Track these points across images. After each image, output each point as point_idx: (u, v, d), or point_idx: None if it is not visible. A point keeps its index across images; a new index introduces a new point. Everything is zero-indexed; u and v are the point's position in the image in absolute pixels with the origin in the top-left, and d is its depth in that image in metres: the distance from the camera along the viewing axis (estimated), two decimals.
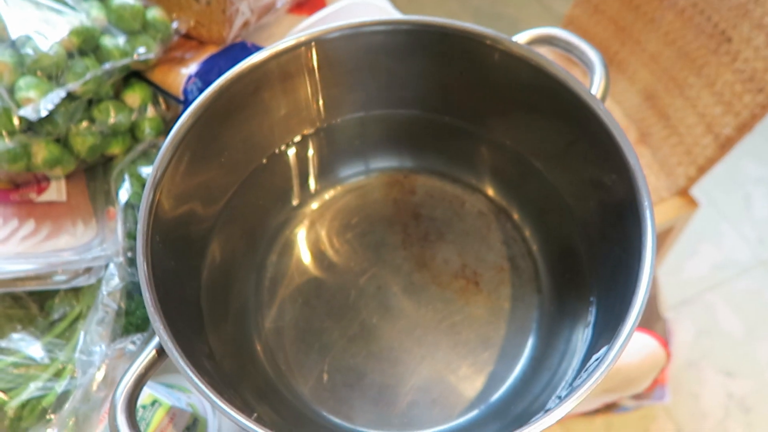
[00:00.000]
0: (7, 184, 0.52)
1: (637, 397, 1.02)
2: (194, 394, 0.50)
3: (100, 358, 0.44)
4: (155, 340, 0.37)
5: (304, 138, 0.51)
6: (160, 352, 0.37)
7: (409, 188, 0.54)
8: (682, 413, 1.11)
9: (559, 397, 0.42)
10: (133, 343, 0.46)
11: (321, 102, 0.50)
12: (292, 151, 0.51)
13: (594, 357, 0.35)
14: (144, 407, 0.45)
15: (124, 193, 0.51)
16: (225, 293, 0.49)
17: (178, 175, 0.41)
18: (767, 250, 1.27)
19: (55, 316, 0.48)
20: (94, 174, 0.55)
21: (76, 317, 0.48)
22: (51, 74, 0.47)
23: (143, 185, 0.50)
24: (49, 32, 0.48)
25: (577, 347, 0.45)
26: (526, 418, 0.41)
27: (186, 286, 0.45)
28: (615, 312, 0.40)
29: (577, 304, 0.46)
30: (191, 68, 0.54)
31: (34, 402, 0.44)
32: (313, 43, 0.45)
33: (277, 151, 0.50)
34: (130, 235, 0.49)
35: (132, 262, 0.49)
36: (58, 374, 0.45)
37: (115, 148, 0.54)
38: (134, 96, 0.54)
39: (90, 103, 0.52)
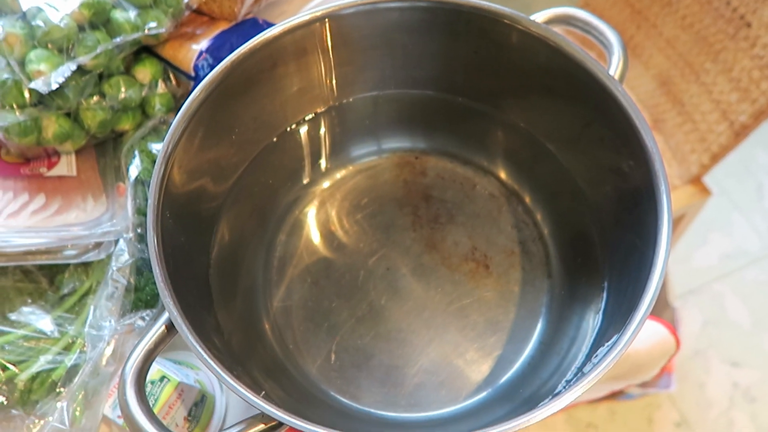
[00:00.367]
0: (17, 158, 0.52)
1: (643, 385, 1.02)
2: (202, 371, 0.50)
3: (109, 332, 0.45)
4: (165, 316, 0.37)
5: (316, 116, 0.51)
6: (170, 327, 0.37)
7: (420, 169, 0.54)
8: (687, 402, 1.11)
9: (568, 382, 0.42)
10: (143, 318, 0.47)
11: (334, 80, 0.49)
12: (303, 130, 0.51)
13: (606, 340, 0.35)
14: (152, 383, 0.45)
15: (134, 169, 0.51)
16: (234, 271, 0.49)
17: (189, 150, 0.41)
18: None
19: (65, 290, 0.48)
20: (104, 149, 0.55)
21: (86, 292, 0.48)
22: (62, 47, 0.47)
23: (153, 161, 0.50)
24: (60, 4, 0.47)
25: (587, 333, 0.45)
26: (534, 402, 0.41)
27: (195, 263, 0.45)
28: (627, 298, 0.39)
29: (588, 290, 0.46)
30: (202, 44, 0.53)
31: (44, 375, 0.44)
32: (327, 19, 0.44)
33: (288, 129, 0.50)
34: (140, 211, 0.49)
35: (142, 238, 0.49)
36: (67, 348, 0.45)
37: (126, 124, 0.53)
38: (145, 71, 0.53)
39: (101, 77, 0.51)
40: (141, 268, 0.49)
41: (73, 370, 0.44)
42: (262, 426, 0.35)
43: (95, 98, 0.51)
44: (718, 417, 1.10)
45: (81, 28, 0.48)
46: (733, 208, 1.30)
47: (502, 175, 0.53)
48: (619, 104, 0.38)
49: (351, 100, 0.51)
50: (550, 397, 0.37)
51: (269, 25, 0.57)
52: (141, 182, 0.50)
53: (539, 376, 0.45)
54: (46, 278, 0.49)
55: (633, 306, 0.35)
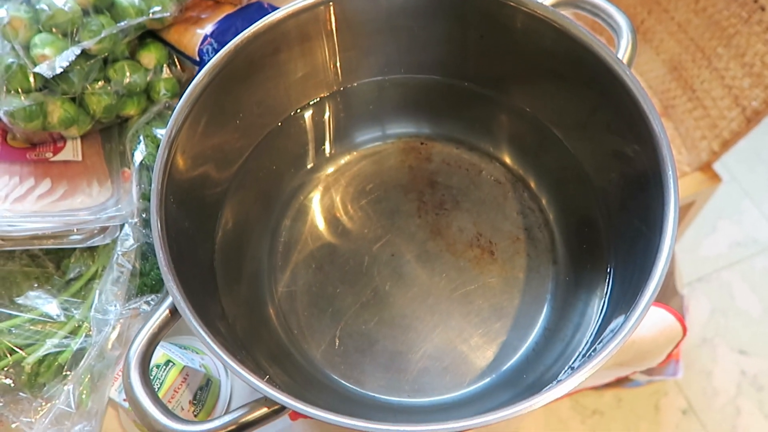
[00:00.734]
0: (23, 143, 0.52)
1: (650, 372, 1.02)
2: (208, 355, 0.51)
3: (114, 317, 0.45)
4: (169, 300, 0.37)
5: (321, 101, 0.50)
6: (173, 311, 0.37)
7: (426, 155, 0.53)
8: (693, 389, 1.11)
9: (572, 368, 0.42)
10: (148, 303, 0.47)
11: (338, 64, 0.49)
12: (307, 115, 0.51)
13: (612, 324, 0.35)
14: (158, 367, 0.45)
15: (138, 155, 0.51)
16: (239, 256, 0.49)
17: (193, 135, 0.41)
18: None
19: (71, 275, 0.48)
20: (109, 135, 0.55)
21: (92, 277, 0.48)
22: (66, 31, 0.47)
23: (158, 147, 0.50)
24: None
25: (592, 319, 0.44)
26: (538, 387, 0.41)
27: (200, 248, 0.45)
28: (632, 284, 0.39)
29: (593, 276, 0.46)
30: (207, 28, 0.53)
31: (50, 358, 0.45)
32: (331, 3, 0.44)
33: (292, 113, 0.50)
34: (145, 197, 0.49)
35: (147, 223, 0.49)
36: (74, 332, 0.45)
37: (131, 109, 0.53)
38: (150, 56, 0.53)
39: (105, 62, 0.51)
40: (146, 253, 0.49)
41: (79, 354, 0.44)
42: (265, 410, 0.35)
43: (100, 83, 0.51)
44: (725, 405, 1.10)
45: (85, 12, 0.48)
46: (744, 196, 1.29)
47: (508, 161, 0.52)
48: (626, 88, 0.38)
49: (356, 84, 0.51)
50: (555, 382, 0.37)
51: (274, 8, 0.57)
52: (146, 167, 0.50)
53: (543, 363, 0.45)
54: (52, 263, 0.49)
55: (638, 291, 0.35)
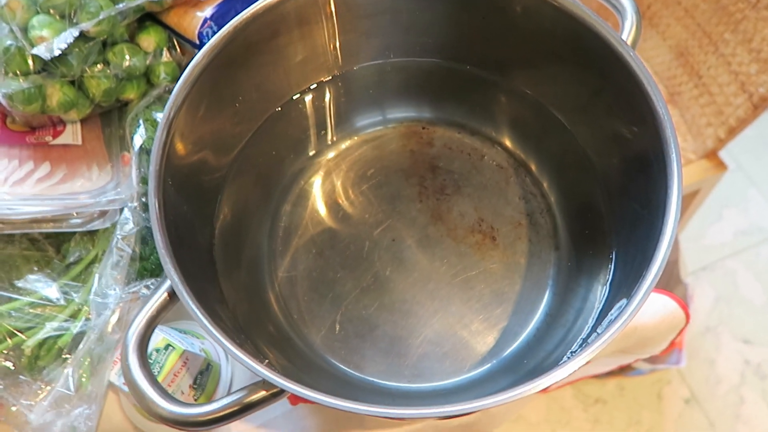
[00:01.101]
0: (23, 127, 0.52)
1: (653, 360, 1.01)
2: (208, 339, 0.51)
3: (114, 300, 0.45)
4: (167, 283, 0.37)
5: (321, 85, 0.50)
6: (172, 294, 0.37)
7: (427, 140, 0.53)
8: (696, 378, 1.11)
9: (573, 353, 0.41)
10: (147, 287, 0.47)
11: (338, 48, 0.48)
12: (307, 99, 0.50)
13: (613, 309, 0.35)
14: (158, 351, 0.45)
15: (138, 138, 0.50)
16: (239, 241, 0.49)
17: (192, 117, 0.41)
18: None
19: (71, 259, 0.48)
20: (109, 119, 0.55)
21: (92, 261, 0.48)
22: (64, 13, 0.46)
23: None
24: None
25: (594, 305, 0.44)
26: (538, 373, 0.41)
27: (199, 232, 0.45)
28: (634, 269, 0.39)
29: (595, 261, 0.45)
30: (207, 11, 0.52)
31: (50, 342, 0.45)
32: None
33: (292, 98, 0.49)
34: (145, 181, 0.49)
35: (146, 207, 0.49)
36: (73, 315, 0.45)
37: (130, 93, 0.53)
38: (149, 39, 0.52)
39: (104, 45, 0.51)
40: (146, 237, 0.49)
41: (78, 337, 0.44)
42: (263, 393, 0.35)
43: (99, 66, 0.50)
44: (728, 393, 1.10)
45: None
46: (750, 184, 1.28)
47: (510, 145, 0.52)
48: (630, 69, 0.37)
49: (356, 68, 0.50)
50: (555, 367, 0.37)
51: None
52: (145, 151, 0.50)
53: (544, 348, 0.45)
54: (52, 247, 0.49)
55: (640, 276, 0.34)
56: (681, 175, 0.35)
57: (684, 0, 0.84)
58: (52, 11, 0.46)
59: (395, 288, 0.48)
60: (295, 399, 0.49)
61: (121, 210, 0.48)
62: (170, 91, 0.53)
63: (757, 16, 0.75)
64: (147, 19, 0.54)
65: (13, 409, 0.43)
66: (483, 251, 0.49)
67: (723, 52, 0.80)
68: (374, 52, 0.49)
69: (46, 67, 0.48)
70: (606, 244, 0.45)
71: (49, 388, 0.43)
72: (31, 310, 0.45)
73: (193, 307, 0.34)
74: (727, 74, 0.80)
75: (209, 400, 0.48)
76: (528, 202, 0.50)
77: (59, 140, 0.51)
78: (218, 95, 0.43)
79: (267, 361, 0.41)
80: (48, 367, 0.44)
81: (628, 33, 0.40)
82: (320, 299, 0.48)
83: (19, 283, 0.46)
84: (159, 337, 0.45)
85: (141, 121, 0.51)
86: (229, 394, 0.35)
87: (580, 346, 0.42)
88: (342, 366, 0.46)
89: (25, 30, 0.46)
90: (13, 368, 0.44)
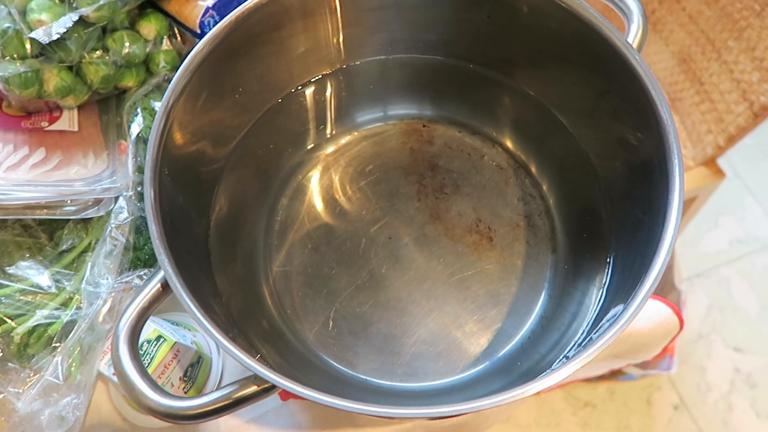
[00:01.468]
0: (18, 111, 0.51)
1: (644, 365, 1.01)
2: (200, 332, 0.50)
3: (106, 290, 0.44)
4: (161, 274, 0.36)
5: (322, 78, 0.50)
6: (165, 286, 0.36)
7: (428, 138, 0.52)
8: (686, 385, 1.11)
9: (567, 357, 0.41)
10: (140, 277, 0.46)
11: (342, 41, 0.48)
12: (308, 92, 0.50)
13: (610, 314, 0.34)
14: (148, 342, 0.45)
15: (136, 127, 0.50)
16: (234, 234, 0.48)
17: (191, 106, 0.40)
18: None
19: (64, 246, 0.47)
20: (106, 106, 0.54)
21: (85, 249, 0.47)
22: None
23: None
24: None
25: (590, 309, 0.44)
26: (532, 375, 0.41)
27: (194, 224, 0.44)
28: (632, 274, 0.38)
29: (592, 265, 0.45)
30: (209, 0, 0.52)
31: (40, 330, 0.44)
32: None
33: (293, 90, 0.49)
34: (141, 170, 0.49)
35: (142, 196, 0.48)
36: (64, 304, 0.45)
37: (129, 81, 0.52)
38: (149, 27, 0.52)
39: (104, 32, 0.50)
40: (140, 227, 0.48)
41: (69, 326, 0.44)
42: (255, 388, 0.34)
43: (98, 52, 0.50)
44: (718, 401, 1.10)
45: None
46: (747, 193, 1.28)
47: (511, 146, 0.51)
48: (635, 73, 0.37)
49: (359, 63, 0.50)
50: (549, 370, 0.37)
51: None
52: (143, 140, 0.50)
53: (538, 351, 0.45)
54: (45, 234, 0.48)
55: (638, 281, 0.34)
56: (683, 182, 0.34)
57: (688, 6, 0.83)
58: None
59: (390, 286, 0.48)
60: (286, 395, 0.49)
61: (116, 199, 0.47)
62: (169, 80, 0.53)
63: (761, 24, 0.74)
64: (148, 6, 0.53)
65: (1, 396, 0.43)
66: (480, 251, 0.49)
67: (726, 59, 0.80)
68: (377, 47, 0.49)
69: (44, 51, 0.47)
70: (604, 248, 0.44)
71: (37, 376, 0.43)
72: (21, 297, 0.44)
73: (186, 299, 0.34)
74: (729, 82, 0.80)
75: (199, 393, 0.47)
76: (527, 204, 0.50)
77: (55, 126, 0.51)
78: (219, 85, 0.43)
79: (259, 356, 0.41)
80: (37, 355, 0.44)
81: (634, 36, 0.40)
82: (315, 295, 0.48)
83: (11, 270, 0.45)
84: (150, 328, 0.45)
85: (139, 110, 0.51)
86: (219, 388, 0.35)
87: (575, 349, 0.42)
88: (334, 363, 0.46)
89: (23, 13, 0.45)
90: (1, 355, 0.43)
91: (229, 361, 0.50)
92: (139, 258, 0.48)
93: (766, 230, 1.24)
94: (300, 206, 0.51)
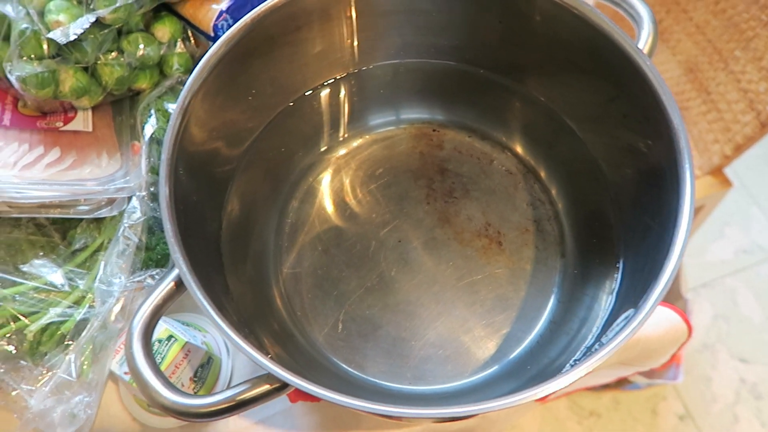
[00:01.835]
0: (34, 111, 0.52)
1: (650, 375, 1.01)
2: (210, 333, 0.50)
3: (119, 289, 0.45)
4: (174, 272, 0.36)
5: (335, 82, 0.50)
6: (178, 284, 0.36)
7: (437, 142, 0.53)
8: (692, 395, 1.11)
9: (576, 362, 0.41)
10: (152, 277, 0.47)
11: (355, 45, 0.48)
12: (321, 95, 0.50)
13: (620, 318, 0.34)
14: (160, 341, 0.45)
15: (149, 128, 0.50)
16: (246, 235, 0.48)
17: (206, 106, 0.41)
18: None
19: (77, 245, 0.48)
20: (120, 108, 0.55)
21: (98, 248, 0.48)
22: None
23: (169, 121, 0.49)
24: None
25: (599, 314, 0.44)
26: (541, 379, 0.41)
27: (207, 224, 0.45)
28: (642, 279, 0.39)
29: (602, 270, 0.45)
30: (222, 4, 0.52)
31: (53, 327, 0.44)
32: None
33: (305, 93, 0.49)
34: (153, 170, 0.49)
35: (154, 197, 0.49)
36: (77, 302, 0.45)
37: (143, 82, 0.53)
38: (164, 29, 0.52)
39: (119, 33, 0.51)
40: (153, 227, 0.49)
41: (81, 324, 0.44)
42: (267, 387, 0.35)
43: (113, 54, 0.50)
44: (723, 411, 1.09)
45: None
46: (752, 203, 1.28)
47: (520, 151, 0.52)
48: (645, 78, 0.37)
49: (371, 67, 0.50)
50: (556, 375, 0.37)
51: None
52: (156, 141, 0.50)
53: (547, 355, 0.45)
54: (58, 233, 0.49)
55: (648, 286, 0.34)
56: (693, 185, 0.35)
57: (696, 16, 0.84)
58: None
59: (400, 289, 0.48)
60: (295, 397, 0.49)
61: (129, 199, 0.48)
62: (183, 83, 0.53)
63: None
64: (163, 9, 0.54)
65: (14, 393, 0.43)
66: (489, 256, 0.49)
67: (733, 69, 0.80)
68: (390, 51, 0.49)
69: (60, 52, 0.48)
70: (613, 254, 0.45)
71: (50, 374, 0.43)
72: (35, 295, 0.44)
73: (200, 296, 0.34)
74: (736, 91, 0.80)
75: (209, 393, 0.48)
76: (536, 209, 0.50)
77: (70, 126, 0.51)
78: (233, 86, 0.43)
79: (270, 356, 0.41)
80: (50, 353, 0.44)
81: (644, 42, 0.40)
82: (324, 297, 0.48)
83: (25, 268, 0.46)
84: (162, 328, 0.45)
85: (152, 111, 0.51)
86: (230, 387, 0.35)
87: (584, 354, 0.42)
88: (343, 365, 0.46)
89: (41, 14, 0.46)
90: (14, 352, 0.43)
91: (239, 362, 0.50)
92: (151, 258, 0.48)
93: None
94: (310, 208, 0.51)
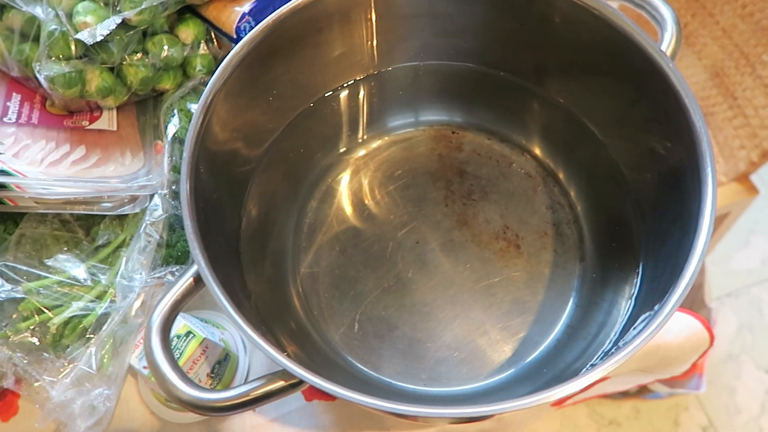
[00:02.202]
0: (61, 110, 0.53)
1: (672, 384, 0.99)
2: (228, 330, 0.51)
3: (139, 284, 0.45)
4: (193, 268, 0.37)
5: (355, 84, 0.50)
6: (197, 280, 0.37)
7: (456, 144, 0.53)
8: (715, 406, 1.08)
9: (593, 366, 0.41)
10: (172, 273, 0.47)
11: (375, 47, 0.49)
12: (340, 97, 0.51)
13: (638, 321, 0.34)
14: (178, 337, 0.46)
15: (172, 128, 0.51)
16: (264, 234, 0.49)
17: (228, 105, 0.41)
18: None
19: (100, 241, 0.49)
20: (144, 107, 0.56)
21: (120, 244, 0.49)
22: (108, 0, 0.47)
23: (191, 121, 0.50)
24: None
25: (617, 319, 0.44)
26: (557, 383, 0.41)
27: (226, 223, 0.45)
28: (662, 285, 0.38)
29: (621, 275, 0.45)
30: (245, 6, 0.53)
31: (75, 321, 0.45)
32: None
33: (325, 94, 0.50)
34: (176, 169, 0.50)
35: (176, 195, 0.49)
36: (99, 297, 0.46)
37: (167, 83, 0.54)
38: (188, 31, 0.53)
39: (144, 35, 0.52)
40: (174, 224, 0.49)
41: (103, 318, 0.45)
42: (282, 383, 0.35)
43: (138, 55, 0.51)
44: (747, 423, 1.07)
45: None
46: None
47: (540, 154, 0.52)
48: (667, 80, 0.37)
49: (391, 69, 0.50)
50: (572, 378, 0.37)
51: None
52: (178, 141, 0.51)
53: (564, 360, 0.44)
54: (82, 229, 0.50)
55: (668, 290, 0.34)
56: (715, 189, 0.34)
57: (722, 20, 0.83)
58: None
59: (416, 290, 0.48)
60: (310, 395, 0.49)
61: (151, 196, 0.48)
62: (205, 84, 0.54)
63: None
64: (187, 11, 0.55)
65: (36, 384, 0.44)
66: (507, 259, 0.49)
67: (760, 74, 0.79)
68: (410, 53, 0.50)
69: (87, 52, 0.49)
70: (633, 258, 0.44)
71: (71, 366, 0.44)
72: (59, 289, 0.46)
73: (218, 292, 0.35)
74: (764, 96, 0.79)
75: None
76: (555, 212, 0.50)
77: (95, 125, 0.52)
78: (254, 87, 0.44)
79: (286, 353, 0.42)
80: (72, 346, 0.45)
81: (667, 45, 0.40)
82: (341, 297, 0.48)
83: (49, 262, 0.47)
84: (180, 324, 0.46)
85: (175, 111, 0.52)
86: (247, 382, 0.35)
87: (602, 359, 0.41)
88: (359, 365, 0.46)
89: (69, 15, 0.47)
90: (38, 344, 0.44)
91: (255, 359, 0.51)
92: (171, 255, 0.49)
93: None
94: (329, 209, 0.51)
